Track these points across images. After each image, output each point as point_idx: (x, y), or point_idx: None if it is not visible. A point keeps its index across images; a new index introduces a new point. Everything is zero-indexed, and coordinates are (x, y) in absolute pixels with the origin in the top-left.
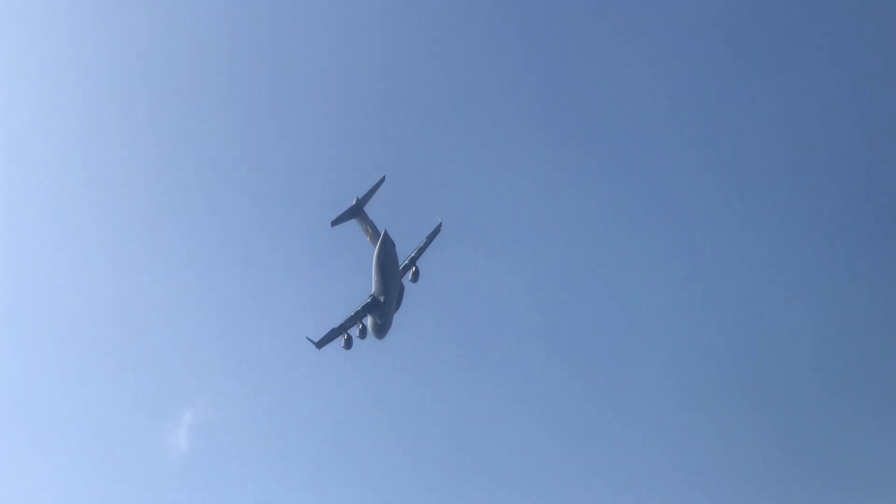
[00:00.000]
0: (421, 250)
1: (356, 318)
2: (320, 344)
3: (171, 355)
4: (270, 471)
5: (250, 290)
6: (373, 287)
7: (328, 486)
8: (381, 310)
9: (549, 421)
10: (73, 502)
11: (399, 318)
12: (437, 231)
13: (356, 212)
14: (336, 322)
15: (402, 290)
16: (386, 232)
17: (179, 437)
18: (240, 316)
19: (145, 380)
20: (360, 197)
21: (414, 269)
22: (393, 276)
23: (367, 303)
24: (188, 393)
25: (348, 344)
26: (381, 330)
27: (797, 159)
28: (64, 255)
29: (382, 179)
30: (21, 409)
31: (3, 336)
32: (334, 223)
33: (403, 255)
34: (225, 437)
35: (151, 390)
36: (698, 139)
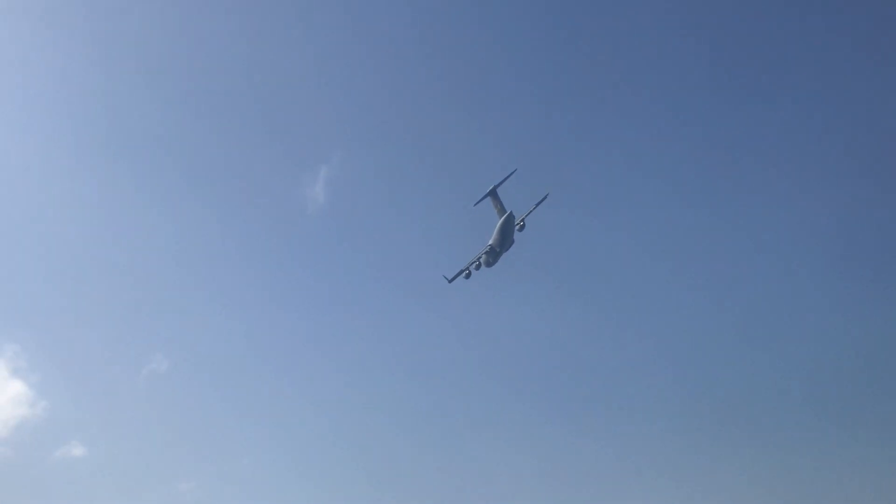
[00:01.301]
0: (530, 212)
1: (476, 260)
2: (452, 279)
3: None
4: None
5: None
6: (492, 240)
7: None
8: (495, 256)
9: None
10: (226, 245)
11: (506, 256)
12: (544, 199)
13: (492, 194)
14: (462, 265)
15: (511, 232)
16: (511, 212)
17: (317, 190)
18: None
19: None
20: (496, 185)
21: (522, 223)
22: (508, 238)
23: (486, 251)
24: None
25: (468, 276)
26: (492, 265)
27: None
28: None
29: (514, 171)
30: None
31: None
32: (476, 204)
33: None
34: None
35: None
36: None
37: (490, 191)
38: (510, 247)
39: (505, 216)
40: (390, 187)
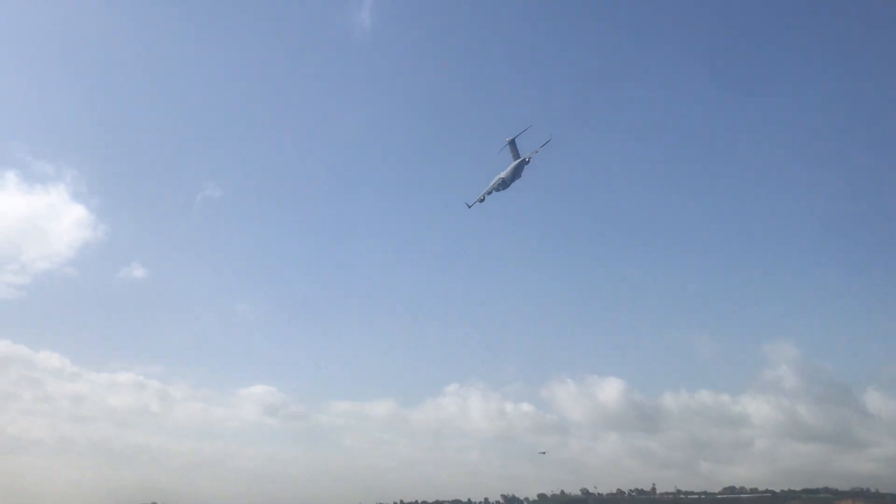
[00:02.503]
0: (536, 151)
1: (490, 188)
2: (471, 205)
3: None
4: None
5: None
6: (503, 174)
7: None
8: (505, 185)
9: None
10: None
11: (516, 183)
12: (547, 142)
13: (511, 143)
14: (479, 193)
15: (522, 170)
16: (523, 158)
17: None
18: None
19: None
20: (514, 138)
21: (529, 159)
22: (518, 174)
23: (497, 182)
24: None
25: (482, 201)
26: (501, 191)
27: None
28: None
29: (528, 127)
30: None
31: None
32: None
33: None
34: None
35: None
36: None
37: (510, 141)
38: (517, 179)
39: (519, 160)
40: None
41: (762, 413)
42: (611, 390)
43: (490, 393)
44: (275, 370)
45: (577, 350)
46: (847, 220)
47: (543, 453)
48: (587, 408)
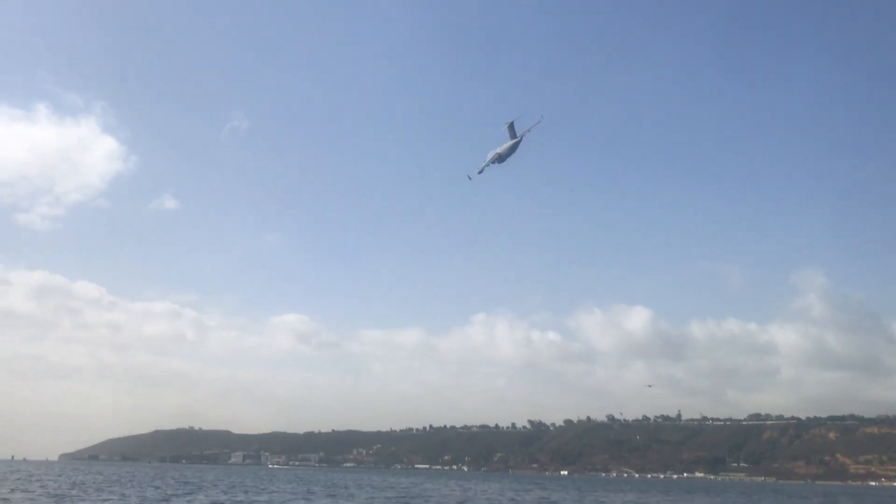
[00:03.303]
0: (528, 130)
1: (489, 162)
2: (471, 178)
3: None
4: None
5: None
6: (500, 150)
7: None
8: (502, 159)
9: None
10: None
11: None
12: (538, 122)
13: (510, 126)
14: (479, 167)
15: (517, 147)
16: (522, 138)
17: None
18: None
19: None
20: (513, 121)
21: (522, 136)
22: (514, 151)
23: (494, 157)
24: None
25: (481, 173)
26: (498, 164)
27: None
28: None
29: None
30: None
31: None
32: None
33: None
34: None
35: None
36: None
37: (509, 124)
38: (513, 153)
39: (516, 140)
40: None
41: (789, 341)
42: (637, 319)
43: (517, 322)
44: (306, 299)
45: (604, 279)
46: (878, 146)
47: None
48: (613, 336)
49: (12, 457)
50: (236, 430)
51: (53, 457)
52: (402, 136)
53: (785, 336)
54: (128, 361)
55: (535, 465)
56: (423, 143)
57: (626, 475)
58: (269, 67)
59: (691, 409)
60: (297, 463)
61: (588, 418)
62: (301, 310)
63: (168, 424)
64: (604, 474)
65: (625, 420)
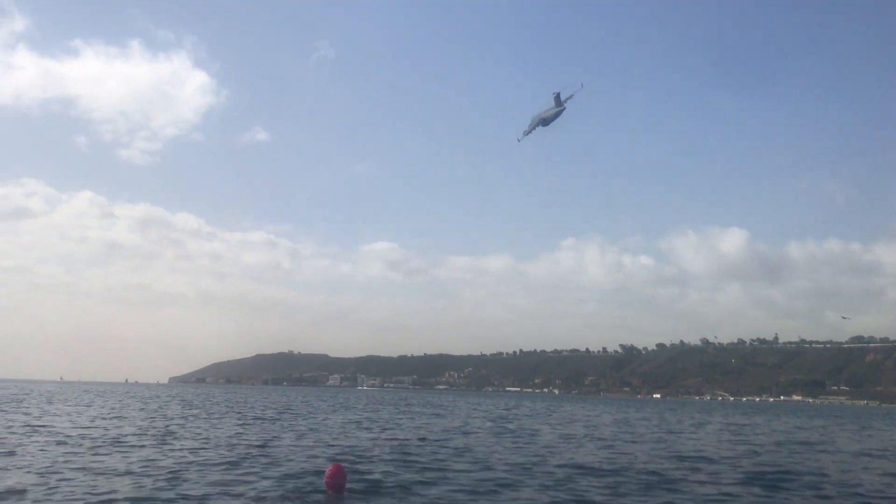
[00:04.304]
0: (570, 96)
1: (533, 125)
2: (520, 139)
3: None
4: None
5: None
6: (544, 114)
7: None
8: (547, 123)
9: None
10: None
11: (555, 122)
12: (579, 88)
13: (557, 95)
14: (524, 129)
15: (560, 114)
16: (565, 108)
17: None
18: None
19: None
20: (560, 91)
21: (565, 107)
22: (558, 115)
23: (538, 121)
24: None
25: (526, 135)
26: (544, 126)
27: None
28: None
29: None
30: None
31: None
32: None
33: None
34: None
35: None
36: None
37: (556, 94)
38: (557, 118)
39: (560, 109)
40: None
41: (895, 261)
42: (733, 240)
43: (607, 246)
44: (394, 227)
45: (699, 201)
46: None
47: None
48: (708, 259)
49: (126, 380)
50: (333, 353)
51: (163, 380)
52: (489, 61)
53: (891, 256)
54: (228, 289)
55: (626, 389)
56: (513, 66)
57: (720, 398)
58: None
59: (789, 331)
60: (391, 385)
61: (681, 342)
62: (390, 238)
63: (269, 349)
64: (697, 398)
65: (719, 343)
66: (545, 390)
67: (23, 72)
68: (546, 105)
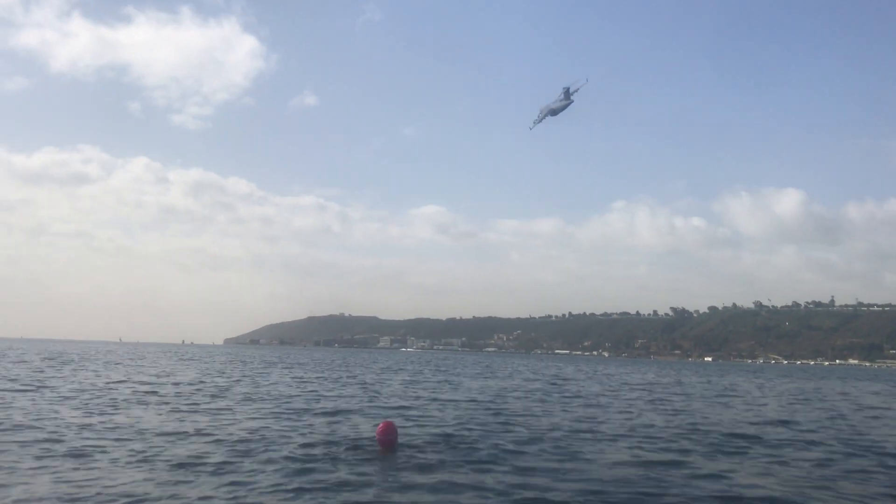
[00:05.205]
0: (577, 89)
1: (542, 115)
2: (532, 127)
3: None
4: None
5: None
6: (553, 106)
7: None
8: (556, 112)
9: None
10: None
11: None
12: (585, 82)
13: (566, 89)
14: (534, 118)
15: (567, 106)
16: (573, 102)
17: None
18: None
19: None
20: (570, 85)
21: (573, 96)
22: (566, 108)
23: (547, 112)
24: None
25: (536, 125)
26: (553, 116)
27: None
28: None
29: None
30: None
31: None
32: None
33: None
34: None
35: None
36: None
37: (565, 89)
38: (565, 109)
39: (567, 102)
40: None
41: None
42: (788, 202)
43: (658, 208)
44: (443, 191)
45: (753, 161)
46: None
47: None
48: (762, 220)
49: (182, 341)
50: (383, 315)
51: (218, 341)
52: (538, 25)
53: None
54: (280, 253)
55: (677, 352)
56: (558, 31)
57: (773, 361)
58: None
59: (846, 294)
60: (440, 347)
61: (734, 305)
62: (439, 201)
63: (320, 311)
64: (750, 360)
65: (773, 306)
66: (594, 353)
67: (77, 39)
68: (552, 98)
